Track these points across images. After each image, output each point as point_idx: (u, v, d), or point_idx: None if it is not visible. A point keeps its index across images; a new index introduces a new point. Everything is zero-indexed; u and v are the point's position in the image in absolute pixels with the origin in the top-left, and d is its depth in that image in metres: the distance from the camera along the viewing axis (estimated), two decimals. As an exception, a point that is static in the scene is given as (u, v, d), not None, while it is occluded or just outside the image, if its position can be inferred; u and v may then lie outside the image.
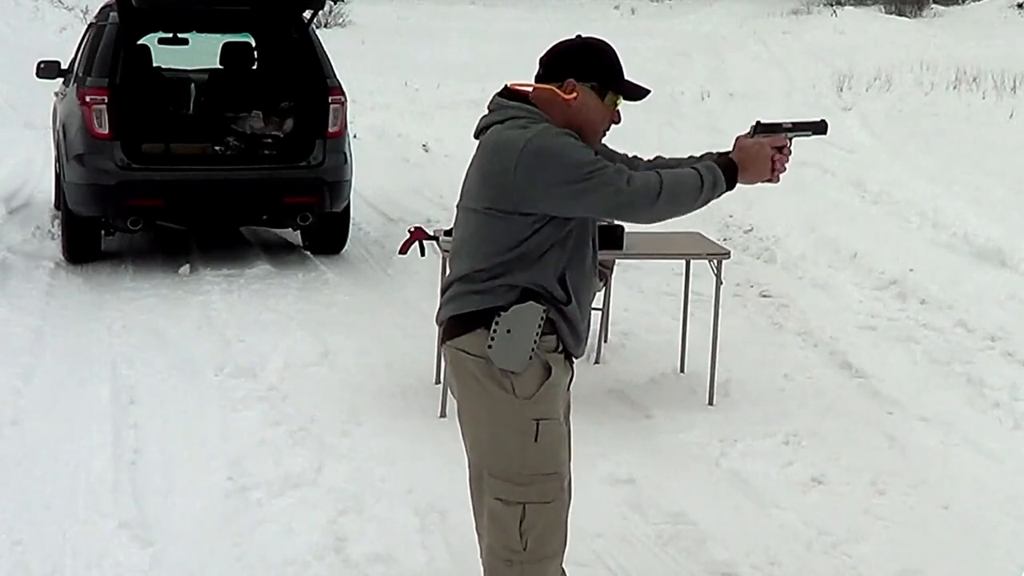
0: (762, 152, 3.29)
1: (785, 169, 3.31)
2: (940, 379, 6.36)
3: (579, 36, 3.41)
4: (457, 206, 3.42)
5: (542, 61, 3.36)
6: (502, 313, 3.22)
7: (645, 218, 3.23)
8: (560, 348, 3.34)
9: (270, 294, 7.82)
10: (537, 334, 3.24)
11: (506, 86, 3.38)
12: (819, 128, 3.39)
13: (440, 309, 3.41)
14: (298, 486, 4.80)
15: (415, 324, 7.09)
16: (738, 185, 3.30)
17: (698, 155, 3.41)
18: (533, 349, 3.24)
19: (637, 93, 3.34)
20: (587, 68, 3.30)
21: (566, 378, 3.42)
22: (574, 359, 3.43)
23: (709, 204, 3.27)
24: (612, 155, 3.41)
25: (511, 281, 3.23)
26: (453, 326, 3.33)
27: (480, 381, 3.28)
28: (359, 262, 8.94)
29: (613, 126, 3.38)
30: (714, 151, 3.39)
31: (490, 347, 3.23)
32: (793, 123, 3.36)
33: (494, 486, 3.34)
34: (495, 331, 3.23)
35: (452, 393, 3.46)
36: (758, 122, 3.36)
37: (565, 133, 3.21)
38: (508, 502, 3.31)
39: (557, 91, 3.27)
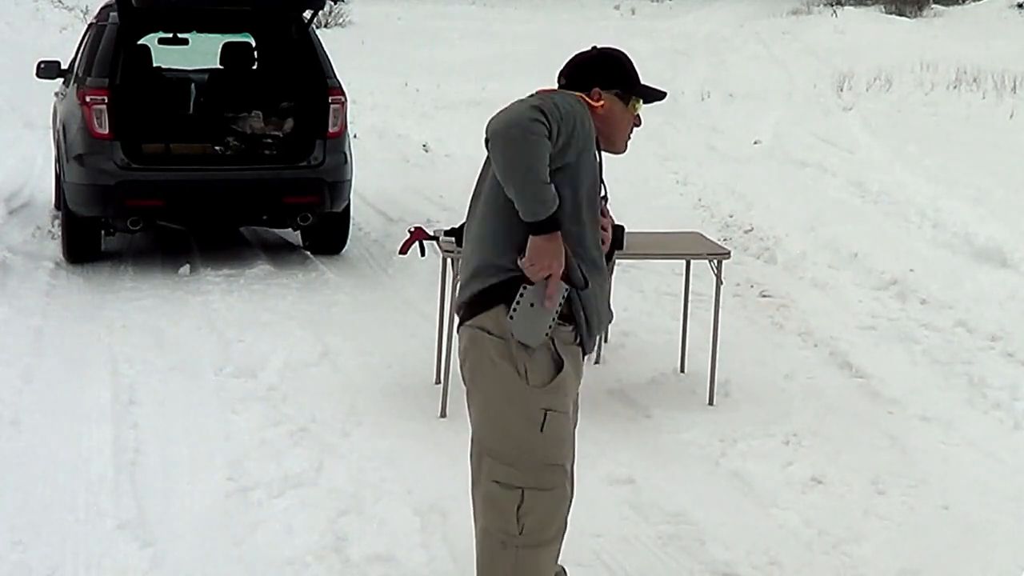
0: (557, 258, 3.23)
1: (538, 276, 3.24)
2: (940, 379, 6.36)
3: (595, 47, 3.56)
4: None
5: (563, 73, 3.51)
6: (527, 286, 3.27)
7: (491, 128, 3.15)
8: (577, 340, 3.40)
9: (270, 294, 7.81)
10: (558, 311, 3.30)
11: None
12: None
13: (461, 290, 3.44)
14: (298, 486, 4.80)
15: (415, 324, 7.10)
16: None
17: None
18: (551, 326, 3.30)
19: (656, 96, 3.54)
20: (610, 76, 3.48)
21: (577, 375, 3.48)
22: (584, 355, 3.49)
23: (530, 196, 3.16)
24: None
25: None
26: (474, 303, 3.37)
27: (495, 363, 3.33)
28: (359, 262, 8.94)
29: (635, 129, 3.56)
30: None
31: (511, 318, 3.27)
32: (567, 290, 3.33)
33: (494, 468, 3.38)
34: (518, 302, 3.28)
35: (462, 375, 3.49)
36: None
37: (569, 101, 3.26)
38: (507, 485, 3.36)
39: (586, 99, 3.40)
